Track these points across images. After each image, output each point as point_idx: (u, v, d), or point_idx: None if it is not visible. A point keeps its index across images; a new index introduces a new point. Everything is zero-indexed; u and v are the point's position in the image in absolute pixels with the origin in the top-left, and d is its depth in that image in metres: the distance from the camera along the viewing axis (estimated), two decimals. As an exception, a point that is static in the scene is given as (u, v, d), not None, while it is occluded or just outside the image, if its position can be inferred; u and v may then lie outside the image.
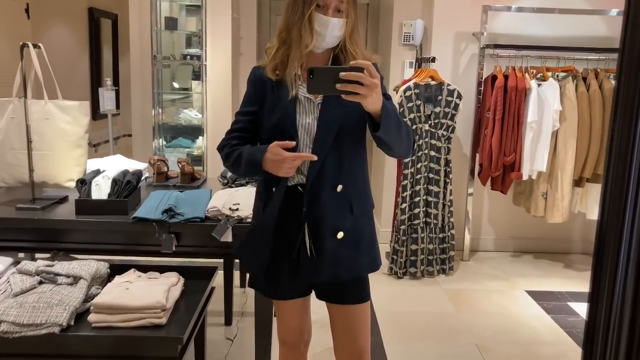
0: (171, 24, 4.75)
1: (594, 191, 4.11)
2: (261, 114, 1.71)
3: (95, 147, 5.61)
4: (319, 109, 1.64)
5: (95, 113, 5.90)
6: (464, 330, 3.24)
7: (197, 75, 4.93)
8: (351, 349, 1.80)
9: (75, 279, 2.15)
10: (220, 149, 1.80)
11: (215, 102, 4.72)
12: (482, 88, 4.18)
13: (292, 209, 1.67)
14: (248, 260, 1.79)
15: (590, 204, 4.15)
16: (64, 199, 2.61)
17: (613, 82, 3.95)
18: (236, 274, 3.51)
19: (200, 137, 4.93)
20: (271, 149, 1.60)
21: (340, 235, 1.67)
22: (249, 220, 2.33)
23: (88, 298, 2.11)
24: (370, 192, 1.82)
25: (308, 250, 1.67)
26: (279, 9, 5.12)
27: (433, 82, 3.87)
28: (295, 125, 1.64)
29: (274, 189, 1.68)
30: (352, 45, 1.64)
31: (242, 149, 1.72)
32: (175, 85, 5.17)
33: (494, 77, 4.05)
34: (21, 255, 2.83)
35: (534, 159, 4.00)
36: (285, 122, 1.64)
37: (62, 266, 2.19)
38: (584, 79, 4.01)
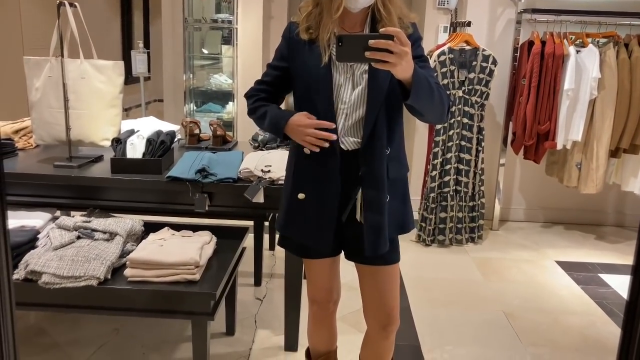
0: (203, -14, 4.72)
1: (631, 162, 4.01)
2: (294, 71, 1.69)
3: (127, 112, 5.67)
4: (365, 71, 1.61)
5: (127, 77, 5.94)
6: (491, 298, 3.24)
7: (227, 40, 4.91)
8: (381, 308, 1.81)
9: (112, 235, 2.21)
10: (247, 97, 1.81)
11: (246, 67, 4.70)
12: (517, 54, 4.07)
13: (345, 172, 1.66)
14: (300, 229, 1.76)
15: (627, 175, 4.05)
16: (99, 158, 2.66)
17: (656, 49, 3.81)
18: (266, 237, 3.56)
19: (230, 103, 4.94)
20: (296, 116, 1.64)
21: (387, 198, 1.67)
22: (281, 182, 2.35)
23: (124, 254, 2.17)
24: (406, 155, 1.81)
25: (359, 216, 1.67)
26: (311, -28, 5.03)
27: (468, 47, 3.79)
28: (331, 90, 1.62)
29: (327, 156, 1.65)
30: (386, 4, 1.60)
31: (268, 109, 1.73)
32: (205, 51, 5.17)
33: (530, 43, 3.94)
34: (58, 212, 2.92)
35: (569, 128, 3.91)
36: (319, 87, 1.62)
37: (98, 222, 2.25)
38: (626, 45, 3.86)
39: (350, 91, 1.62)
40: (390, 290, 1.80)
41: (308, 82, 1.65)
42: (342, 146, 1.65)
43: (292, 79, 1.71)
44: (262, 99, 1.77)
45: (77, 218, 2.32)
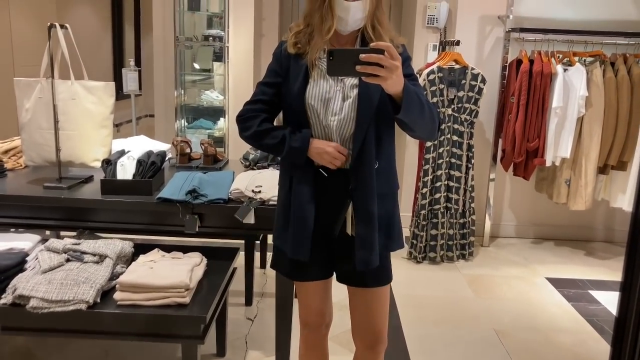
0: (194, 4, 4.75)
1: (619, 179, 4.05)
2: (285, 88, 1.70)
3: (118, 127, 5.66)
4: (355, 85, 1.62)
5: (118, 94, 5.94)
6: (482, 315, 3.24)
7: (218, 56, 4.93)
8: (369, 329, 1.81)
9: (101, 258, 2.20)
10: (244, 118, 1.76)
11: (237, 84, 4.72)
12: (506, 72, 4.12)
13: (334, 189, 1.68)
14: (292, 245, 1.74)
15: (615, 191, 4.09)
16: (89, 179, 2.66)
17: (642, 67, 3.87)
18: (257, 255, 3.55)
19: (222, 119, 4.95)
20: (315, 142, 1.64)
21: (376, 212, 1.67)
22: (272, 202, 2.35)
23: (113, 276, 2.16)
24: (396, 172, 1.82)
25: (350, 230, 1.68)
26: (302, -10, 5.09)
27: (457, 66, 3.83)
28: (311, 101, 1.63)
29: (320, 170, 1.67)
30: (376, 26, 1.62)
31: (276, 129, 1.72)
32: (196, 66, 5.18)
33: (519, 62, 3.99)
34: (47, 233, 2.90)
35: (558, 145, 3.95)
36: (300, 102, 1.64)
37: (88, 245, 2.24)
38: (612, 64, 3.92)
39: (339, 104, 1.63)
40: (379, 311, 1.80)
41: (293, 97, 1.66)
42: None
43: (283, 93, 1.71)
44: (265, 119, 1.74)
45: (66, 240, 2.30)
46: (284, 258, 1.78)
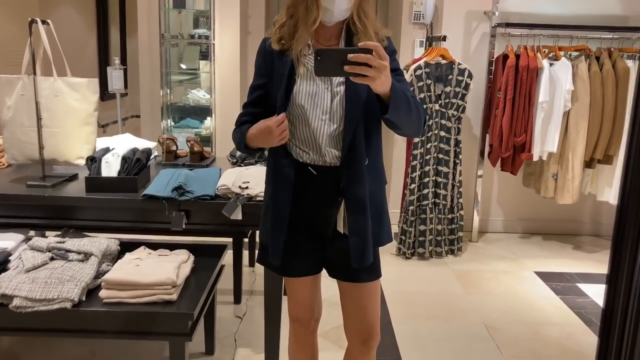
0: (179, 2, 4.71)
1: (605, 172, 4.07)
2: (270, 86, 1.68)
3: (104, 128, 5.61)
4: (342, 82, 1.61)
5: (103, 93, 5.88)
6: (472, 310, 3.24)
7: (205, 55, 4.89)
8: (362, 325, 1.80)
9: (86, 256, 2.17)
10: (237, 124, 1.78)
11: (224, 82, 4.69)
12: (493, 68, 4.13)
13: (325, 187, 1.66)
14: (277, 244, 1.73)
15: (601, 185, 4.12)
16: (73, 177, 2.62)
17: (627, 61, 3.90)
18: (245, 253, 3.52)
19: (209, 118, 4.91)
20: (254, 126, 1.64)
21: (369, 207, 1.66)
22: (259, 198, 2.34)
23: (99, 274, 2.13)
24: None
25: (342, 227, 1.67)
26: (288, -13, 5.05)
27: (444, 61, 3.83)
28: (299, 100, 1.62)
29: (310, 168, 1.65)
30: (362, 18, 1.60)
31: (240, 130, 1.72)
32: (183, 66, 5.14)
33: (505, 57, 4.00)
34: (31, 232, 2.86)
35: (545, 139, 3.97)
36: (286, 101, 1.62)
37: (73, 243, 2.21)
38: (597, 59, 3.94)
39: (329, 102, 1.61)
40: (372, 306, 1.79)
41: (281, 93, 1.63)
42: (326, 158, 1.65)
43: (270, 90, 1.69)
44: (243, 122, 1.74)
45: (50, 239, 2.27)
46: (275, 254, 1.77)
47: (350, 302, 1.81)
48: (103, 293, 2.01)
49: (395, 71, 1.61)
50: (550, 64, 3.90)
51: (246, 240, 3.39)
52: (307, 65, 1.61)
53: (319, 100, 1.61)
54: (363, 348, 1.83)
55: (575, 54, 4.01)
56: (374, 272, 1.76)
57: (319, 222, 1.70)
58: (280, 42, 1.63)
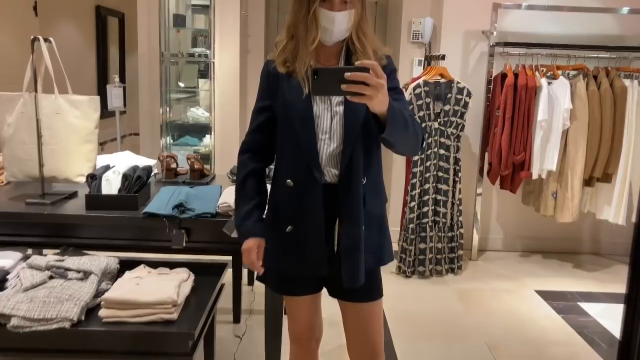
0: (179, 21, 4.74)
1: (604, 191, 4.08)
2: (276, 106, 1.68)
3: (102, 146, 5.60)
4: (341, 102, 1.61)
5: (102, 111, 5.90)
6: (473, 330, 3.21)
7: (203, 74, 4.91)
8: (365, 345, 1.78)
9: (86, 274, 2.14)
10: (240, 154, 1.78)
11: (223, 100, 4.70)
12: (491, 86, 4.15)
13: (327, 203, 1.64)
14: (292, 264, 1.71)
15: (600, 203, 4.12)
16: (73, 194, 2.60)
17: (624, 80, 3.92)
18: (245, 272, 3.49)
19: (207, 136, 4.91)
20: (249, 245, 1.71)
21: (363, 228, 1.64)
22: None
23: (98, 293, 2.10)
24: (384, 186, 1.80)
25: (335, 246, 1.65)
26: (287, 7, 5.09)
27: (442, 80, 3.85)
28: (312, 121, 1.61)
29: (313, 183, 1.63)
30: (361, 37, 1.60)
31: (246, 199, 1.74)
32: (181, 84, 5.16)
33: (503, 75, 4.02)
34: (29, 251, 2.83)
35: (544, 158, 3.97)
36: (302, 119, 1.61)
37: (72, 261, 2.18)
38: (595, 77, 3.97)
39: (329, 121, 1.61)
40: (374, 326, 1.77)
41: (290, 115, 1.63)
42: (325, 177, 1.63)
43: (276, 112, 1.69)
44: (254, 158, 1.75)
45: (49, 257, 2.24)
46: (272, 272, 1.76)
47: (351, 322, 1.79)
48: (103, 312, 1.98)
49: (395, 89, 1.61)
50: (549, 83, 3.92)
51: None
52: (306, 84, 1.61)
53: (318, 121, 1.61)
54: None
55: (573, 73, 4.04)
56: (374, 291, 1.75)
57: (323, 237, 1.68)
58: (286, 65, 1.63)
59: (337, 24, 1.55)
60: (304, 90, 1.59)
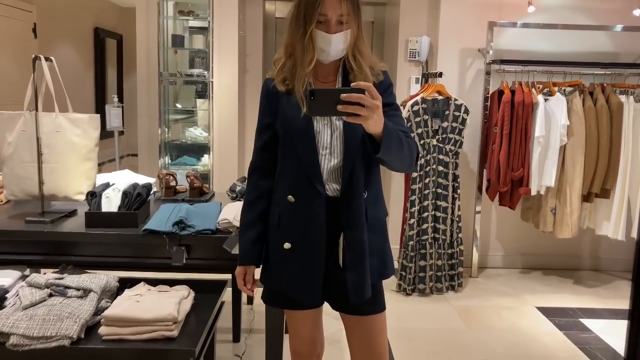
0: (178, 41, 4.78)
1: (603, 206, 4.08)
2: (277, 124, 1.70)
3: (100, 167, 5.58)
4: (340, 118, 1.62)
5: (101, 132, 5.92)
6: (474, 347, 3.18)
7: (200, 94, 4.94)
8: (371, 358, 1.76)
9: (85, 292, 2.12)
10: (249, 173, 1.80)
11: (222, 120, 4.72)
12: (488, 103, 4.18)
13: (329, 218, 1.64)
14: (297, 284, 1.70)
15: (599, 219, 4.12)
16: (73, 213, 2.60)
17: (620, 96, 3.96)
18: (244, 291, 3.47)
19: (206, 155, 4.92)
20: (238, 271, 1.78)
21: (367, 242, 1.65)
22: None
23: (98, 311, 2.08)
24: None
25: (340, 261, 1.65)
26: (284, 27, 5.14)
27: (440, 97, 3.88)
28: (313, 138, 1.62)
29: (315, 198, 1.63)
30: (357, 56, 1.63)
31: (247, 236, 1.76)
32: (178, 105, 5.19)
33: (500, 92, 4.05)
34: (27, 271, 2.81)
35: (542, 174, 3.99)
36: (303, 135, 1.63)
37: (71, 279, 2.17)
38: (591, 94, 4.01)
39: (329, 137, 1.63)
40: (378, 340, 1.76)
41: (290, 133, 1.65)
42: (327, 193, 1.64)
43: (280, 126, 1.70)
44: (264, 177, 1.75)
45: (48, 275, 2.23)
46: (273, 289, 1.76)
47: (356, 336, 1.78)
48: (103, 330, 1.96)
49: (391, 105, 1.64)
50: (545, 99, 3.95)
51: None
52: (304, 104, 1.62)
53: (319, 137, 1.63)
54: None
55: (569, 89, 4.07)
56: (377, 304, 1.74)
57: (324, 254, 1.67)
58: (285, 84, 1.66)
59: (334, 45, 1.58)
60: (302, 108, 1.61)
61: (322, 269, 1.65)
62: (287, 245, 1.67)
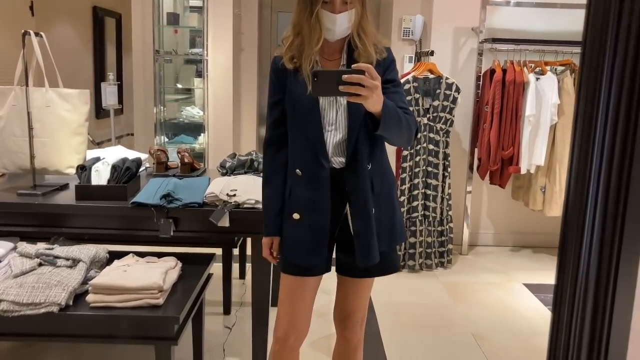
0: (173, 19, 4.80)
1: (593, 185, 4.12)
2: (285, 100, 1.78)
3: (99, 145, 5.64)
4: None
5: (99, 111, 5.96)
6: (460, 321, 3.26)
7: (200, 74, 4.98)
8: (348, 308, 1.92)
9: (75, 262, 2.19)
10: (265, 146, 1.86)
11: (217, 99, 4.76)
12: (480, 82, 4.21)
13: (335, 189, 1.74)
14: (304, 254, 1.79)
15: (589, 198, 4.16)
16: (64, 186, 2.65)
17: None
18: (235, 266, 3.54)
19: (202, 134, 4.97)
20: (264, 241, 1.86)
21: (373, 210, 1.74)
22: (247, 205, 2.38)
23: (87, 280, 2.15)
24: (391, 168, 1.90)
25: (352, 229, 1.75)
26: (280, 5, 5.16)
27: (431, 76, 3.90)
28: (319, 115, 1.71)
29: (321, 171, 1.72)
30: (361, 34, 1.71)
31: (271, 203, 1.83)
32: (179, 85, 5.22)
33: (492, 71, 4.07)
34: (19, 244, 2.88)
35: (532, 152, 4.02)
36: (310, 112, 1.71)
37: (61, 249, 2.24)
38: (582, 73, 4.02)
39: (335, 114, 1.72)
40: (367, 295, 1.95)
41: (298, 110, 1.74)
42: (333, 165, 1.74)
43: (289, 101, 1.78)
44: (278, 151, 1.82)
45: (39, 245, 2.29)
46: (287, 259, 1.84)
47: (350, 292, 1.91)
48: (90, 297, 2.03)
49: (393, 82, 1.74)
50: (537, 78, 3.97)
51: (236, 252, 3.42)
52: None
53: (325, 113, 1.72)
54: (350, 332, 1.94)
55: (560, 68, 4.09)
56: (387, 268, 1.85)
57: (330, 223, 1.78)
58: (293, 61, 1.73)
59: (339, 24, 1.66)
60: (309, 87, 1.67)
61: (328, 237, 1.75)
62: (296, 216, 1.77)
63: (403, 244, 3.97)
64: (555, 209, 4.07)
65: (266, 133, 1.86)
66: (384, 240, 1.79)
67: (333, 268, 1.89)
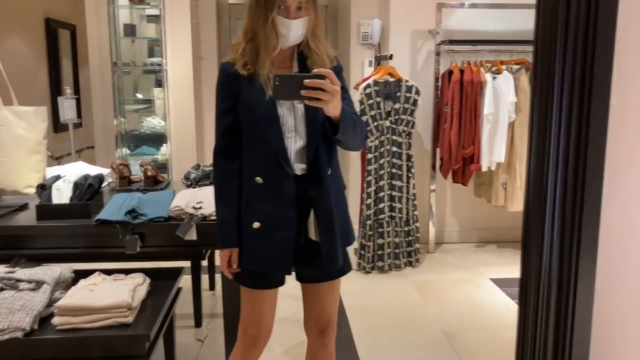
0: (130, 30, 4.73)
1: (551, 179, 4.24)
2: (240, 108, 1.75)
3: (59, 160, 5.51)
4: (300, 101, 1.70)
5: (57, 125, 5.82)
6: (431, 319, 3.31)
7: (160, 83, 4.92)
8: (324, 316, 1.92)
9: (38, 284, 2.13)
10: (214, 156, 1.82)
11: (178, 108, 4.71)
12: (439, 83, 4.28)
13: (298, 196, 1.74)
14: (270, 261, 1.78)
15: (549, 191, 4.28)
16: (24, 206, 2.59)
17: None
18: (204, 277, 3.51)
19: (164, 145, 4.91)
20: (222, 254, 1.81)
21: (334, 214, 1.76)
22: (213, 217, 2.36)
23: (52, 302, 2.09)
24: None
25: (314, 236, 1.75)
26: (238, 13, 5.15)
27: (392, 79, 3.95)
28: (278, 121, 1.70)
29: (284, 179, 1.72)
30: (315, 41, 1.73)
31: (226, 216, 1.79)
32: (139, 95, 5.15)
33: (450, 72, 4.15)
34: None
35: (492, 150, 4.12)
36: (269, 119, 1.70)
37: (23, 272, 2.17)
38: (536, 71, 4.14)
39: (293, 120, 1.72)
40: (335, 299, 1.94)
41: (255, 117, 1.72)
42: (295, 172, 1.74)
43: (238, 113, 1.75)
44: (229, 160, 1.79)
45: None
46: (245, 270, 1.82)
47: (316, 298, 1.91)
48: (56, 320, 1.98)
49: (342, 88, 1.72)
50: (493, 78, 4.07)
51: (205, 263, 3.39)
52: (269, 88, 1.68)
53: (283, 119, 1.72)
54: (322, 338, 1.94)
55: (516, 67, 4.20)
56: (345, 268, 1.87)
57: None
58: (246, 68, 1.71)
59: (294, 31, 1.67)
60: (267, 92, 1.67)
61: (294, 244, 1.74)
62: (256, 225, 1.75)
63: (371, 245, 4.01)
64: (517, 204, 4.17)
65: (216, 141, 1.82)
66: (342, 242, 1.81)
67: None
